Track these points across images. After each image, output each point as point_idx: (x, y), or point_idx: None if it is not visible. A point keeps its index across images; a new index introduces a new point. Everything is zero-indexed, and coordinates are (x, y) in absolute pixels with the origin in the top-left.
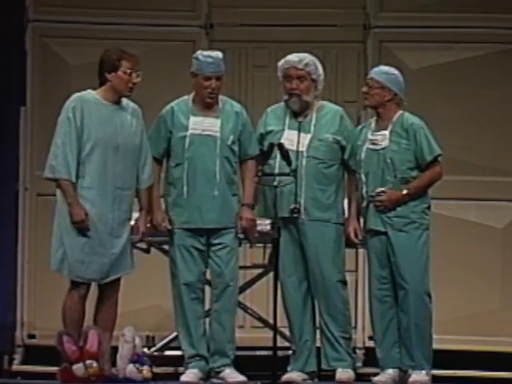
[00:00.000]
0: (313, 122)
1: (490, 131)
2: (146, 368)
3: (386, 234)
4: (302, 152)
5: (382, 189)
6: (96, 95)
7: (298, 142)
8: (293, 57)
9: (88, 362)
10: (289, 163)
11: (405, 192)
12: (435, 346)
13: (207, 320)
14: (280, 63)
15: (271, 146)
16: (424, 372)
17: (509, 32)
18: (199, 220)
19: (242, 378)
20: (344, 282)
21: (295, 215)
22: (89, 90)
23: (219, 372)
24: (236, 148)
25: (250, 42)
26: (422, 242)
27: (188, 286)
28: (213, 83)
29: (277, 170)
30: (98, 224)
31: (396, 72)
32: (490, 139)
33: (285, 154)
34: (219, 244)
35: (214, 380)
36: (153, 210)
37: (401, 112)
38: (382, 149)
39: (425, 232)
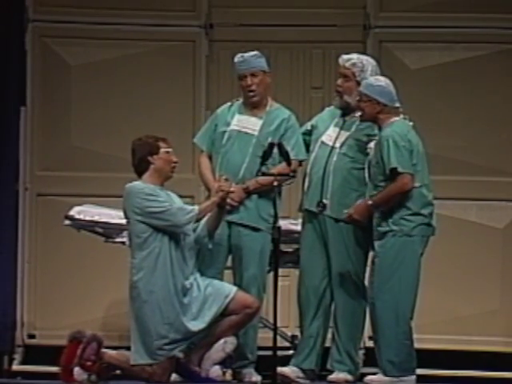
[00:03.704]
0: (357, 122)
1: (489, 131)
2: (229, 371)
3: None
4: (335, 148)
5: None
6: (146, 182)
7: (336, 139)
8: (347, 55)
9: (93, 376)
10: (288, 163)
11: (369, 202)
12: (434, 346)
13: None
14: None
15: (271, 145)
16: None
17: (509, 32)
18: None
19: (257, 377)
20: (362, 286)
21: (320, 209)
22: (136, 182)
23: (239, 372)
24: (274, 150)
25: (250, 42)
26: (396, 249)
27: None
28: (248, 80)
29: (309, 167)
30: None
31: (382, 83)
32: (490, 139)
33: (285, 154)
34: (238, 244)
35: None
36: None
37: (390, 121)
38: (370, 161)
39: (400, 239)
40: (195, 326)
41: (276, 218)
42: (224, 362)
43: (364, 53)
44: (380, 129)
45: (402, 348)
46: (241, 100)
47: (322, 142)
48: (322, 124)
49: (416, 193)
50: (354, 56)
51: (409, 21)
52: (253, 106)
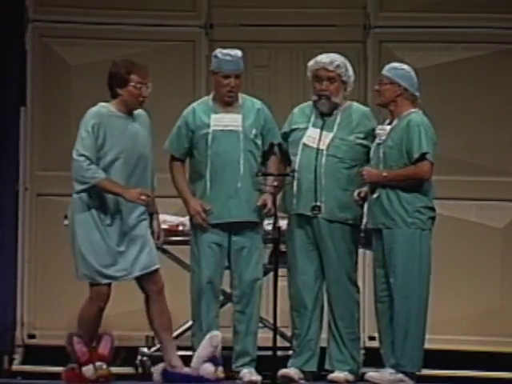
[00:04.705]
0: (337, 121)
1: (489, 131)
2: (220, 369)
3: (382, 232)
4: (321, 150)
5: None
6: (111, 108)
7: (320, 140)
8: (323, 58)
9: (98, 364)
10: (288, 163)
11: (384, 174)
12: (434, 346)
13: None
14: (310, 63)
15: (271, 145)
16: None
17: (509, 32)
18: (226, 214)
19: (258, 377)
20: (356, 285)
21: (316, 213)
22: (102, 104)
23: (239, 372)
24: (259, 142)
25: (250, 42)
26: (412, 241)
27: (209, 283)
28: (232, 81)
29: (297, 168)
30: (119, 230)
31: (406, 67)
32: (490, 139)
33: (284, 154)
34: (239, 243)
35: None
36: (187, 202)
37: (413, 110)
38: (381, 143)
39: (417, 231)
40: (118, 271)
41: (276, 217)
42: (215, 359)
43: (364, 53)
44: (393, 115)
45: (418, 342)
46: (207, 98)
47: (305, 145)
48: (298, 126)
49: (431, 185)
50: (333, 56)
51: (409, 21)
52: (227, 103)
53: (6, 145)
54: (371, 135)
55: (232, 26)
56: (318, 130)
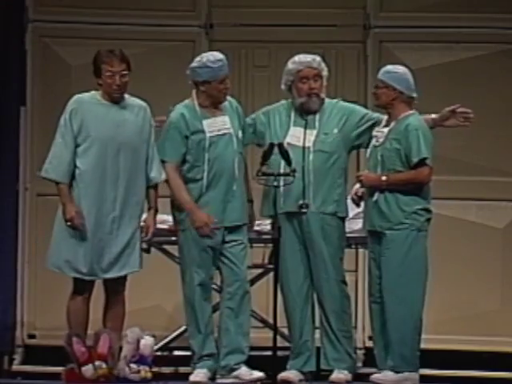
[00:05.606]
0: (317, 117)
1: (490, 131)
2: (143, 368)
3: (379, 234)
4: (308, 147)
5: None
6: (96, 95)
7: (304, 139)
8: (304, 57)
9: (97, 363)
10: (289, 163)
11: (383, 178)
12: (435, 346)
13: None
14: (290, 67)
15: (271, 145)
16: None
17: (509, 32)
18: (224, 219)
19: (259, 374)
20: (345, 282)
21: (304, 210)
22: (93, 92)
23: (233, 369)
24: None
25: (250, 42)
26: (409, 243)
27: (201, 285)
28: (228, 83)
29: (282, 170)
30: (95, 222)
31: (400, 70)
32: (490, 139)
33: (285, 154)
34: (234, 241)
35: (226, 379)
36: (194, 213)
37: (410, 112)
38: (379, 146)
39: (413, 233)
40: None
41: (276, 217)
42: (142, 359)
43: (364, 53)
44: (390, 117)
45: (414, 343)
46: (191, 102)
47: (289, 144)
48: (279, 125)
49: (429, 188)
50: (311, 56)
51: (409, 21)
52: (215, 106)
53: (5, 145)
54: (349, 124)
55: (232, 26)
56: (301, 129)
